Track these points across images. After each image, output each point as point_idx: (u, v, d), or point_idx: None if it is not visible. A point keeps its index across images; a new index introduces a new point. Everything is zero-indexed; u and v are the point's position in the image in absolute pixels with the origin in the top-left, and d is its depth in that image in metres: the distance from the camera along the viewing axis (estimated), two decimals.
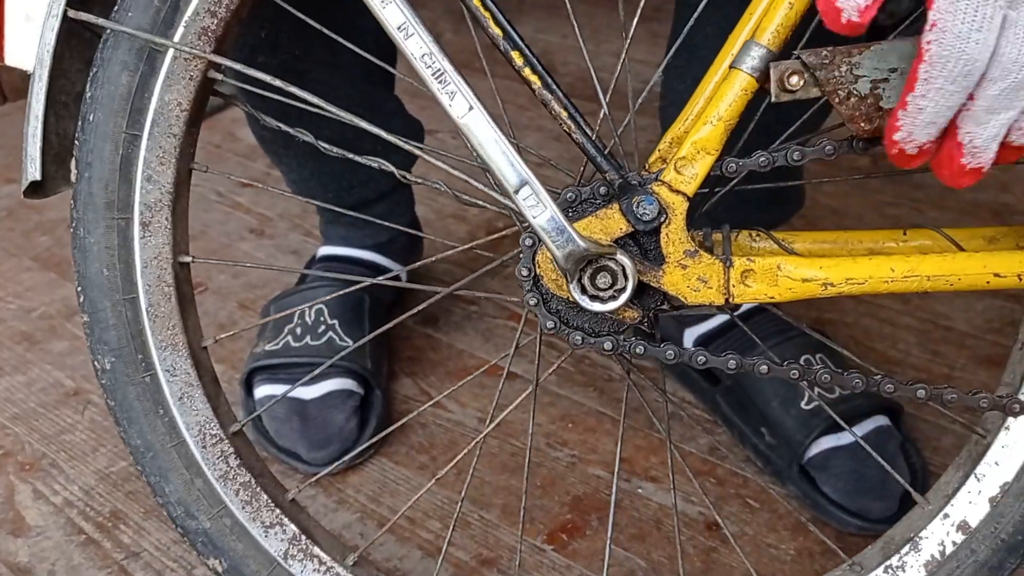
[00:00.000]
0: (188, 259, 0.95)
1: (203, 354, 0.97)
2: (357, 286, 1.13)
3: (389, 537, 1.29)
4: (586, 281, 0.80)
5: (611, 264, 0.79)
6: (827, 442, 1.30)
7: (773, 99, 0.79)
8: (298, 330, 1.48)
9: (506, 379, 1.56)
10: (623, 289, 0.80)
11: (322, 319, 1.49)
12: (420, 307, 0.98)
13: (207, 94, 0.92)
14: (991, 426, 0.93)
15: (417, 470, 1.40)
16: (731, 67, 0.80)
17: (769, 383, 1.36)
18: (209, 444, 0.95)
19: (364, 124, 0.86)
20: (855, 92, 0.79)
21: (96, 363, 0.93)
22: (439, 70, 0.78)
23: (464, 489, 1.00)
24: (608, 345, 0.84)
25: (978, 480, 0.93)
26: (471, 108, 0.79)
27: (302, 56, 1.38)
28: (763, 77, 0.79)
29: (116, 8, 0.87)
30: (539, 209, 0.79)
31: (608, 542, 0.97)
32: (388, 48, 1.12)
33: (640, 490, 1.34)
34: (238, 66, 0.87)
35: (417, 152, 0.89)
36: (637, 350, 0.84)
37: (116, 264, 0.91)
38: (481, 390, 1.54)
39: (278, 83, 0.85)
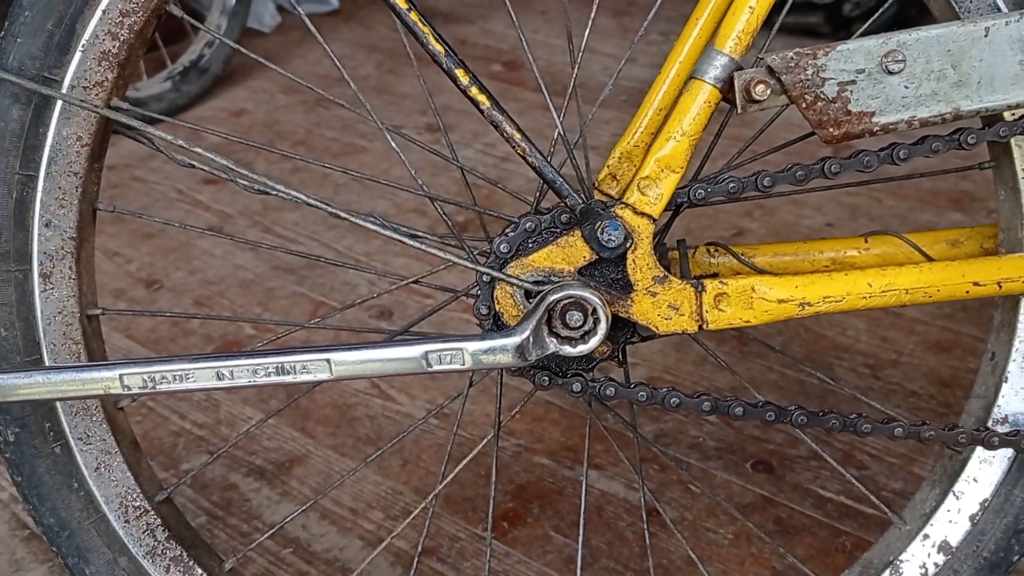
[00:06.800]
0: (97, 311, 0.85)
1: (120, 416, 0.86)
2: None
3: (331, 528, 1.27)
4: (556, 321, 0.73)
5: (582, 301, 0.72)
6: None
7: (739, 111, 0.74)
8: None
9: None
10: (594, 331, 0.73)
11: None
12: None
13: (110, 125, 0.82)
14: None
15: (363, 462, 1.39)
16: (692, 78, 0.75)
17: None
18: (132, 517, 0.85)
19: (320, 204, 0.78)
20: (822, 96, 0.74)
21: None
22: None
23: None
24: (577, 387, 0.78)
25: (957, 498, 0.89)
26: None
27: None
28: (727, 87, 0.74)
29: (2, 35, 0.77)
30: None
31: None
32: None
33: (583, 478, 1.34)
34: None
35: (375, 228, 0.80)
36: (608, 392, 0.78)
37: (15, 323, 0.81)
38: (432, 382, 1.52)
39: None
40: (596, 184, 0.85)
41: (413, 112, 2.43)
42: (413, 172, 0.84)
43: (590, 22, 0.85)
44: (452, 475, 0.87)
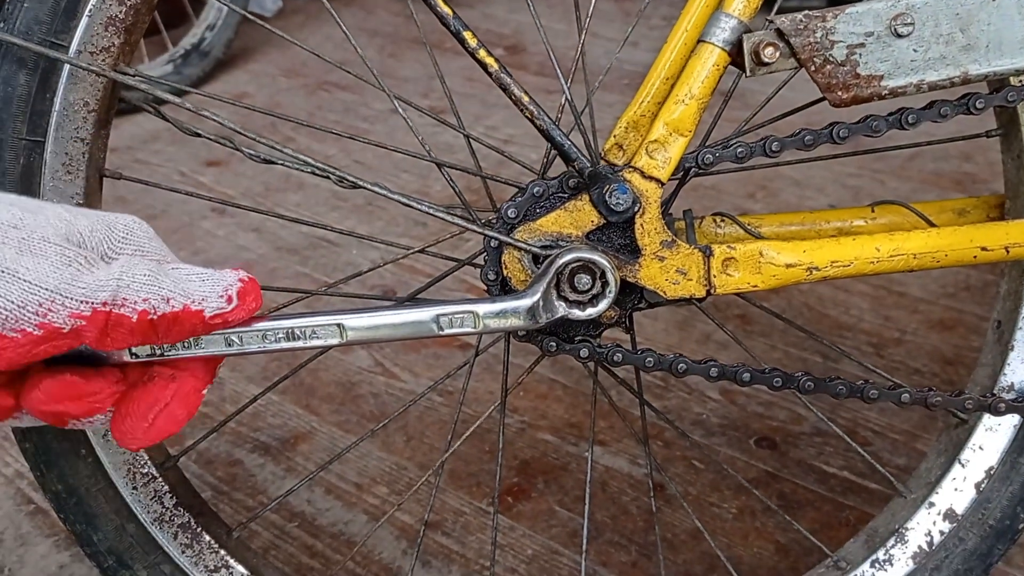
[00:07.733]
0: None
1: None
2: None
3: (336, 503, 1.27)
4: (564, 285, 0.73)
5: (591, 264, 0.72)
6: None
7: (748, 74, 0.74)
8: None
9: (458, 348, 1.54)
10: (603, 294, 0.73)
11: None
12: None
13: (117, 91, 0.82)
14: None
15: (367, 438, 1.40)
16: (701, 41, 0.75)
17: None
18: (140, 484, 0.85)
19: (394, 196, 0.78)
20: (831, 59, 0.74)
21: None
22: None
23: None
24: (585, 352, 0.78)
25: (962, 466, 0.89)
26: None
27: None
28: (736, 50, 0.74)
29: (8, 0, 0.77)
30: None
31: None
32: None
33: (587, 453, 1.35)
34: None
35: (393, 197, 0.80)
36: (615, 357, 0.78)
37: None
38: (435, 360, 1.53)
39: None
40: (603, 154, 0.85)
41: (415, 95, 2.43)
42: (420, 138, 0.84)
43: (592, 2, 0.85)
44: (458, 444, 0.87)
